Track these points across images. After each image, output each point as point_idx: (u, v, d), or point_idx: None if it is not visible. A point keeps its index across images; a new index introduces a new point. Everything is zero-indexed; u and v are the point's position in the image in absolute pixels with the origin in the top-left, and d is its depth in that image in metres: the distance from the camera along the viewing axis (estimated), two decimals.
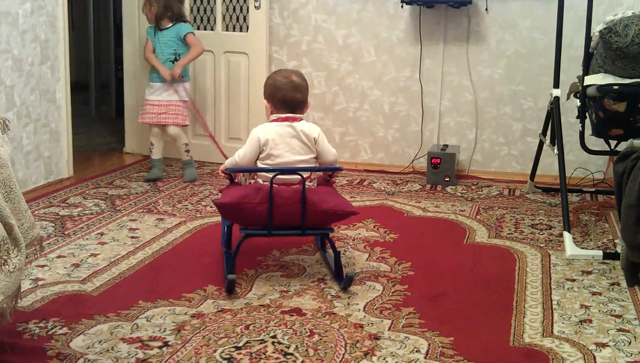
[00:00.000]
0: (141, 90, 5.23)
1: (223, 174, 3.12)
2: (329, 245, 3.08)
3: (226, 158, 3.16)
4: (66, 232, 3.54)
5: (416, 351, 2.38)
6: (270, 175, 2.87)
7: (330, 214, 2.90)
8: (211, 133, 4.03)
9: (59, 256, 3.21)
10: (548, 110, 4.19)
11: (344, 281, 2.90)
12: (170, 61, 4.60)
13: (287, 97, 2.96)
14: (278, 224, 2.89)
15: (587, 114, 3.85)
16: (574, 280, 3.06)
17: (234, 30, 5.09)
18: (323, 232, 3.02)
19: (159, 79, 4.60)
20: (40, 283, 2.90)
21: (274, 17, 5.10)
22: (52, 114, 4.41)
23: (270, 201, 2.83)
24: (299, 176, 2.89)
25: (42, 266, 3.08)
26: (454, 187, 4.61)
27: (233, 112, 5.08)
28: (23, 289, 2.80)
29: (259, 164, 2.96)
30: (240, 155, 2.97)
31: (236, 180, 3.12)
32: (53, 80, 4.40)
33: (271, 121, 2.99)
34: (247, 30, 5.01)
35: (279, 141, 2.94)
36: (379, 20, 4.97)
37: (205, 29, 5.13)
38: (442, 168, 4.64)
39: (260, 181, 2.95)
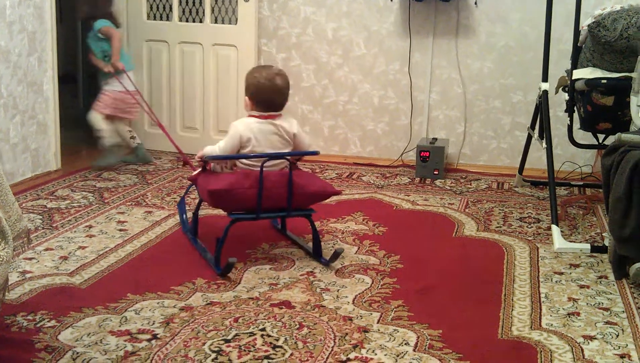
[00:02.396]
0: None
1: (199, 161, 3.19)
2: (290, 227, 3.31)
3: (179, 150, 3.54)
4: (54, 225, 3.52)
5: (405, 344, 2.38)
6: (253, 162, 3.00)
7: (316, 195, 3.08)
8: (160, 123, 4.24)
9: (47, 249, 3.20)
10: (537, 104, 4.20)
11: (331, 256, 3.05)
12: (101, 59, 4.72)
13: (270, 99, 3.07)
14: (265, 207, 3.01)
15: (575, 108, 3.87)
16: (562, 273, 3.07)
17: (222, 23, 5.07)
18: (306, 213, 3.14)
19: (105, 75, 4.74)
20: (28, 275, 2.89)
21: (263, 10, 5.09)
22: (39, 106, 4.38)
23: (260, 185, 2.94)
24: (281, 164, 3.05)
25: (30, 259, 3.07)
26: (442, 180, 4.62)
27: (222, 105, 5.06)
28: (11, 282, 2.79)
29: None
30: (221, 148, 3.06)
31: (208, 168, 3.19)
32: (40, 72, 4.37)
33: (251, 117, 3.08)
34: (236, 23, 4.99)
35: (261, 138, 3.05)
36: (368, 13, 4.97)
37: (194, 21, 5.11)
38: (431, 162, 4.64)
39: (241, 167, 3.07)
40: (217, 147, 3.08)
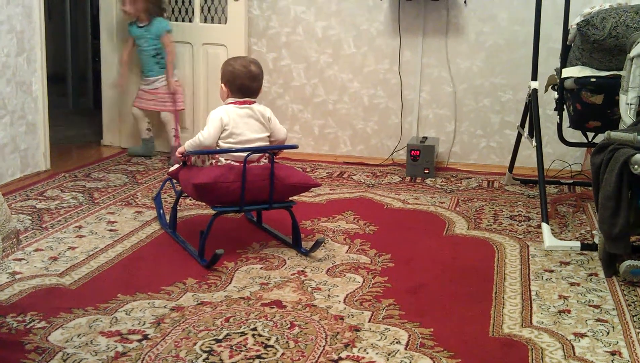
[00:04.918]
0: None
1: (180, 156, 3.29)
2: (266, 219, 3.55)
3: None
4: (43, 225, 3.51)
5: (396, 342, 2.38)
6: (234, 154, 3.13)
7: (296, 187, 3.20)
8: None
9: (37, 250, 3.18)
10: (526, 102, 4.21)
11: (313, 245, 3.18)
12: (152, 56, 4.88)
13: (245, 85, 3.22)
14: (248, 200, 3.10)
15: (564, 107, 3.88)
16: (552, 271, 3.08)
17: (212, 22, 5.06)
18: (287, 205, 3.24)
19: (152, 74, 4.94)
20: (17, 276, 2.87)
21: (253, 9, 5.08)
22: (28, 106, 4.36)
23: (243, 178, 3.03)
24: (261, 153, 3.18)
25: (20, 259, 3.05)
26: (433, 179, 4.63)
27: (212, 104, 5.04)
28: (0, 283, 2.77)
29: (221, 144, 3.16)
30: (204, 135, 3.16)
31: (189, 163, 3.29)
32: (29, 71, 4.35)
33: (228, 104, 3.22)
34: (225, 22, 4.98)
35: (239, 121, 3.19)
36: (358, 12, 4.97)
37: (183, 21, 5.10)
38: (422, 160, 4.65)
39: (222, 159, 3.15)
40: (199, 135, 3.17)
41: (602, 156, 3.00)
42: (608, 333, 2.50)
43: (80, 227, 3.51)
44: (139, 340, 2.36)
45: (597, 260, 3.19)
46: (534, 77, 4.08)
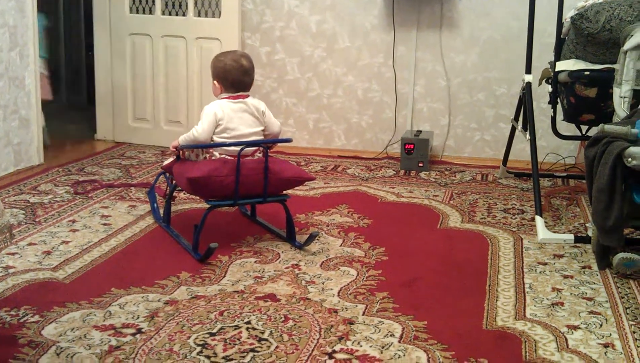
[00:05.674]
0: (115, 76, 5.19)
1: (174, 150, 3.28)
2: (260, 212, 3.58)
3: None
4: (37, 219, 3.50)
5: (390, 335, 2.39)
6: (228, 149, 3.12)
7: (291, 181, 3.21)
8: None
9: (30, 244, 3.17)
10: (520, 96, 4.21)
11: (307, 239, 3.18)
12: None
13: (238, 80, 3.21)
14: (242, 194, 3.11)
15: (558, 100, 3.88)
16: (545, 264, 3.09)
17: (206, 16, 5.04)
18: (281, 198, 3.24)
19: None
20: (11, 271, 2.87)
21: (247, 3, 5.07)
22: (21, 101, 4.34)
23: (237, 172, 3.03)
24: (255, 147, 3.17)
25: (13, 254, 3.04)
26: (427, 172, 4.63)
27: (206, 98, 5.04)
28: None
29: (215, 139, 3.16)
30: (198, 131, 3.15)
31: (182, 157, 3.28)
32: (22, 66, 4.33)
33: (222, 99, 3.21)
34: (219, 16, 4.97)
35: (234, 116, 3.18)
36: (352, 6, 4.96)
37: (177, 14, 5.08)
38: (416, 154, 4.65)
39: (217, 154, 3.13)
40: (194, 131, 3.16)
41: (595, 149, 3.00)
42: (601, 325, 2.51)
43: (73, 221, 3.50)
44: (133, 334, 2.36)
45: (591, 253, 3.20)
46: (528, 71, 4.08)
